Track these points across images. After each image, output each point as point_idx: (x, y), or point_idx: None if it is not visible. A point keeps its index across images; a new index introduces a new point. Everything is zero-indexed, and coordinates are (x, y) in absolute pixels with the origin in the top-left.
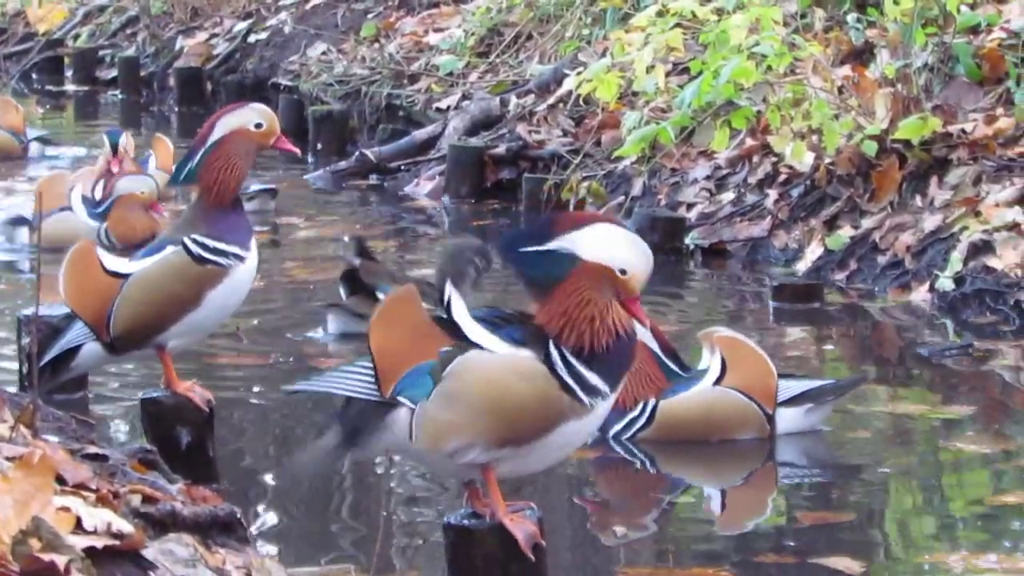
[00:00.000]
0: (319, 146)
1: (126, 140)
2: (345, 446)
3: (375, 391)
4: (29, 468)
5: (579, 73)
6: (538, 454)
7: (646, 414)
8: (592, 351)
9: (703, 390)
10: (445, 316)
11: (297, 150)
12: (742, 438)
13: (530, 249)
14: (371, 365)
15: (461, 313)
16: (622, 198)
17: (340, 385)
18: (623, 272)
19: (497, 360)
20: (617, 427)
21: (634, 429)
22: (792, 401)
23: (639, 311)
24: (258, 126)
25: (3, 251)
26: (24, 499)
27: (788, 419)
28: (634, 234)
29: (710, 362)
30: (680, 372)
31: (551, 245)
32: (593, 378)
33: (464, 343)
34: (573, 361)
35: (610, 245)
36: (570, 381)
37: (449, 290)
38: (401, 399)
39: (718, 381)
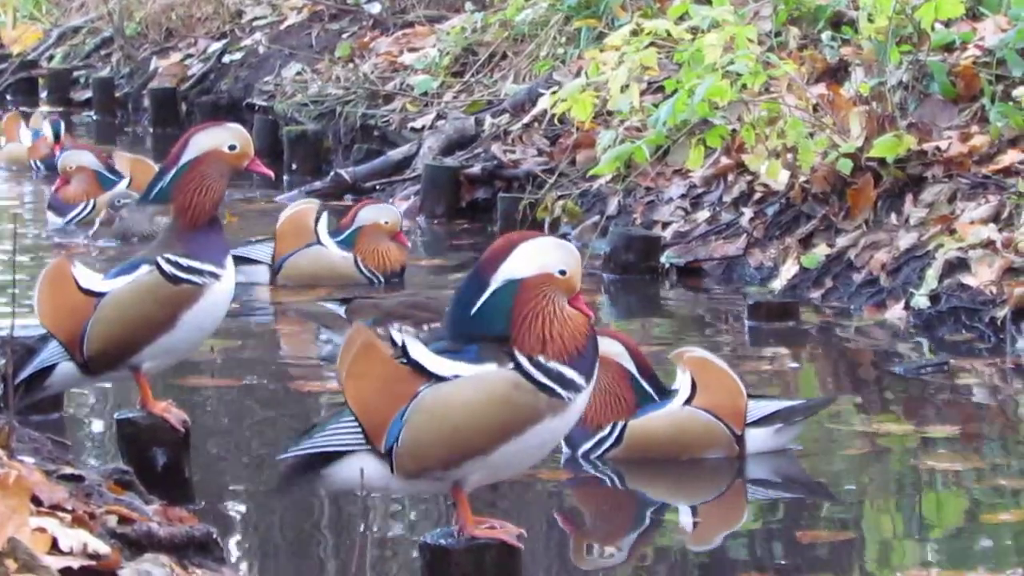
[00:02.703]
0: (294, 166)
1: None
2: (317, 480)
3: (366, 444)
4: (5, 489)
5: (554, 92)
6: (516, 456)
7: (615, 434)
8: (576, 355)
9: (672, 411)
10: (409, 358)
11: (271, 173)
12: (710, 457)
13: (478, 305)
14: (355, 421)
15: (419, 352)
16: (597, 217)
17: (332, 443)
18: (563, 273)
19: (459, 381)
20: (586, 446)
21: (603, 448)
22: (762, 421)
23: (583, 305)
24: (232, 148)
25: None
26: None
27: (758, 439)
28: (555, 237)
29: (681, 382)
30: (655, 394)
31: (492, 287)
32: (569, 372)
33: (434, 379)
34: (545, 361)
35: (541, 255)
36: (546, 380)
37: (400, 336)
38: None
39: (688, 401)
